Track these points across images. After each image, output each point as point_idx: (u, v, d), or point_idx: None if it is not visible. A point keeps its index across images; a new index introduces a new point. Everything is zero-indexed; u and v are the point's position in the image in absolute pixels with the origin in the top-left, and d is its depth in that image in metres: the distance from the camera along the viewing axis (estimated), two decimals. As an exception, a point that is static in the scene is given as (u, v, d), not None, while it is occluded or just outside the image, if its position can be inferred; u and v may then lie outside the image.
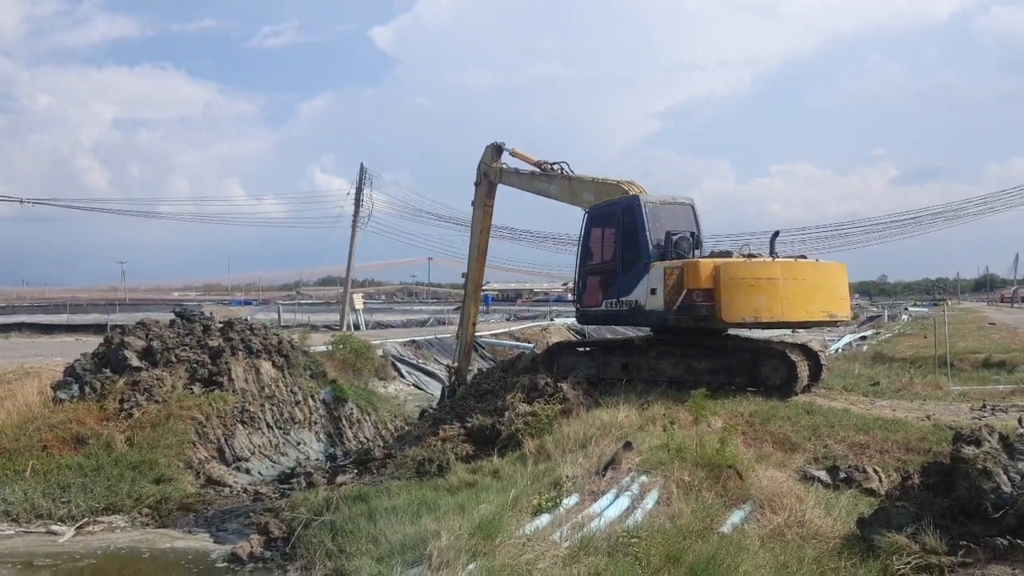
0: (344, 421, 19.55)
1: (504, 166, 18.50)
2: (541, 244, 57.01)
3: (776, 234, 14.83)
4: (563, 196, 16.94)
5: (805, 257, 14.65)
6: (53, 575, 10.79)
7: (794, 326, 15.37)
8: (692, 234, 14.56)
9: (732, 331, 14.66)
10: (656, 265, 13.99)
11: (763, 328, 14.73)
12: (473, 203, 19.42)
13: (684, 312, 13.35)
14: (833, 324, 16.01)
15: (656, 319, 14.18)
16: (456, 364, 20.20)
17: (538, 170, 17.61)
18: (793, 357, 13.62)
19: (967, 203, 49.71)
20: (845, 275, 14.61)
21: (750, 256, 13.97)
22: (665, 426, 11.02)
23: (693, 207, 15.43)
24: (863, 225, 52.48)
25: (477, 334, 25.58)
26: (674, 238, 14.17)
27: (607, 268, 15.23)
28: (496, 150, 18.58)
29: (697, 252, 14.44)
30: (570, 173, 16.99)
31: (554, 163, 17.36)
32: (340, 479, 14.00)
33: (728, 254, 14.06)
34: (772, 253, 14.12)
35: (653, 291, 13.94)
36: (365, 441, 19.12)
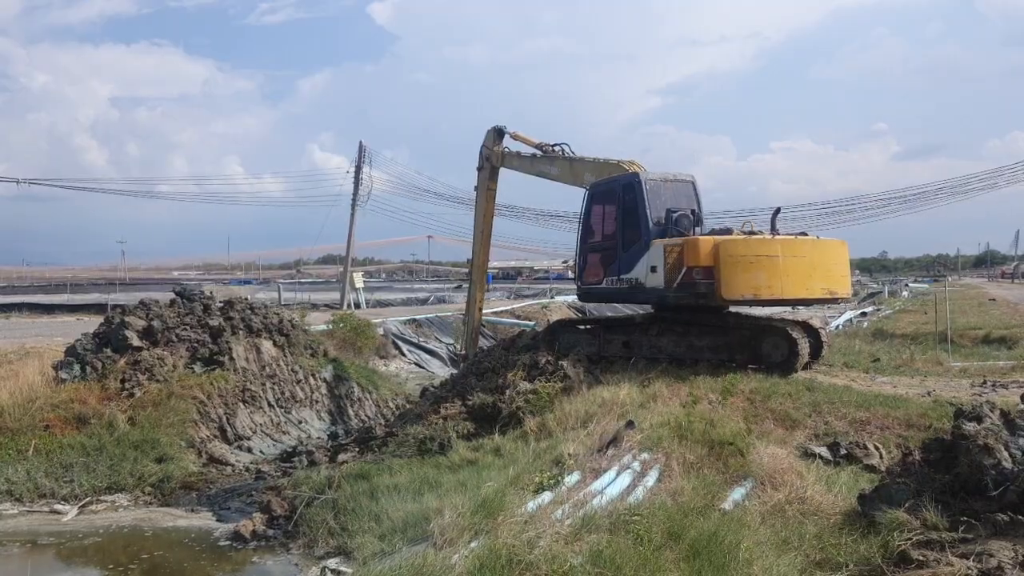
0: (345, 399, 19.59)
1: (506, 150, 18.45)
2: (541, 222, 56.67)
3: (778, 211, 14.78)
4: (564, 177, 16.92)
5: (806, 234, 14.60)
6: (57, 554, 10.83)
7: (794, 303, 15.35)
8: (693, 211, 14.52)
9: (733, 308, 14.64)
10: (656, 243, 13.95)
11: (763, 305, 14.73)
12: (476, 188, 19.38)
13: (684, 290, 13.33)
14: (833, 302, 15.98)
15: (656, 297, 14.17)
16: (463, 351, 20.11)
17: (539, 152, 17.58)
18: (794, 334, 13.61)
19: (971, 178, 49.25)
20: (846, 252, 14.57)
21: (750, 233, 13.92)
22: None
23: (694, 184, 15.38)
24: (866, 201, 52.10)
25: (478, 312, 25.53)
26: (674, 215, 14.13)
27: (608, 246, 15.20)
28: (498, 134, 18.52)
29: (698, 229, 14.41)
30: (571, 154, 16.97)
31: (555, 144, 17.31)
32: (342, 457, 14.04)
33: (729, 231, 14.02)
34: (773, 230, 14.08)
35: (653, 269, 13.91)
36: (366, 419, 19.17)
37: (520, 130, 18.19)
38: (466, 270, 24.83)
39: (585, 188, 15.90)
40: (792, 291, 13.51)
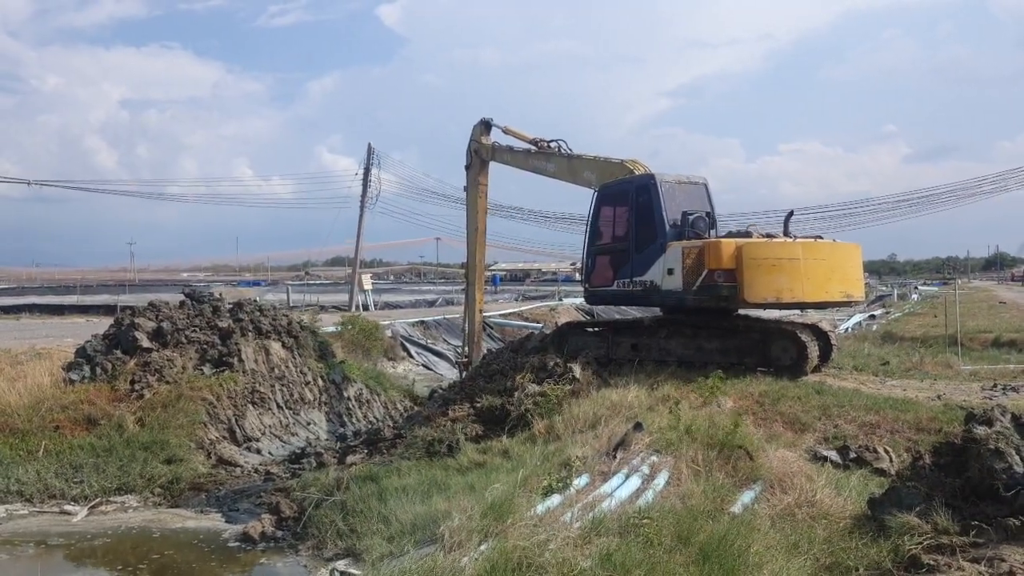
0: (353, 401, 19.61)
1: (496, 143, 18.28)
2: (549, 224, 56.67)
3: (791, 214, 14.74)
4: (562, 174, 16.72)
5: (821, 237, 14.56)
6: (67, 554, 10.88)
7: (813, 306, 15.30)
8: (707, 214, 14.46)
9: (743, 311, 14.60)
10: (673, 245, 13.84)
11: (783, 308, 14.67)
12: (466, 187, 19.23)
13: (704, 292, 13.20)
14: (849, 305, 15.92)
15: (673, 299, 14.04)
16: (466, 357, 19.99)
17: (534, 148, 17.39)
18: (803, 337, 13.55)
19: (980, 181, 49.02)
20: (860, 256, 14.56)
21: (769, 236, 13.86)
22: (671, 407, 11.00)
23: (707, 186, 15.29)
24: (876, 204, 51.97)
25: (486, 314, 25.48)
26: (690, 218, 14.03)
27: (618, 248, 15.07)
28: (485, 126, 18.38)
29: (712, 232, 14.35)
30: (568, 151, 16.79)
31: (551, 140, 17.08)
32: (350, 459, 14.07)
33: (748, 234, 13.95)
34: (786, 233, 14.02)
35: (670, 271, 13.80)
36: (375, 421, 19.19)
37: (528, 131, 17.92)
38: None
39: (584, 186, 15.75)
40: (812, 294, 13.44)
